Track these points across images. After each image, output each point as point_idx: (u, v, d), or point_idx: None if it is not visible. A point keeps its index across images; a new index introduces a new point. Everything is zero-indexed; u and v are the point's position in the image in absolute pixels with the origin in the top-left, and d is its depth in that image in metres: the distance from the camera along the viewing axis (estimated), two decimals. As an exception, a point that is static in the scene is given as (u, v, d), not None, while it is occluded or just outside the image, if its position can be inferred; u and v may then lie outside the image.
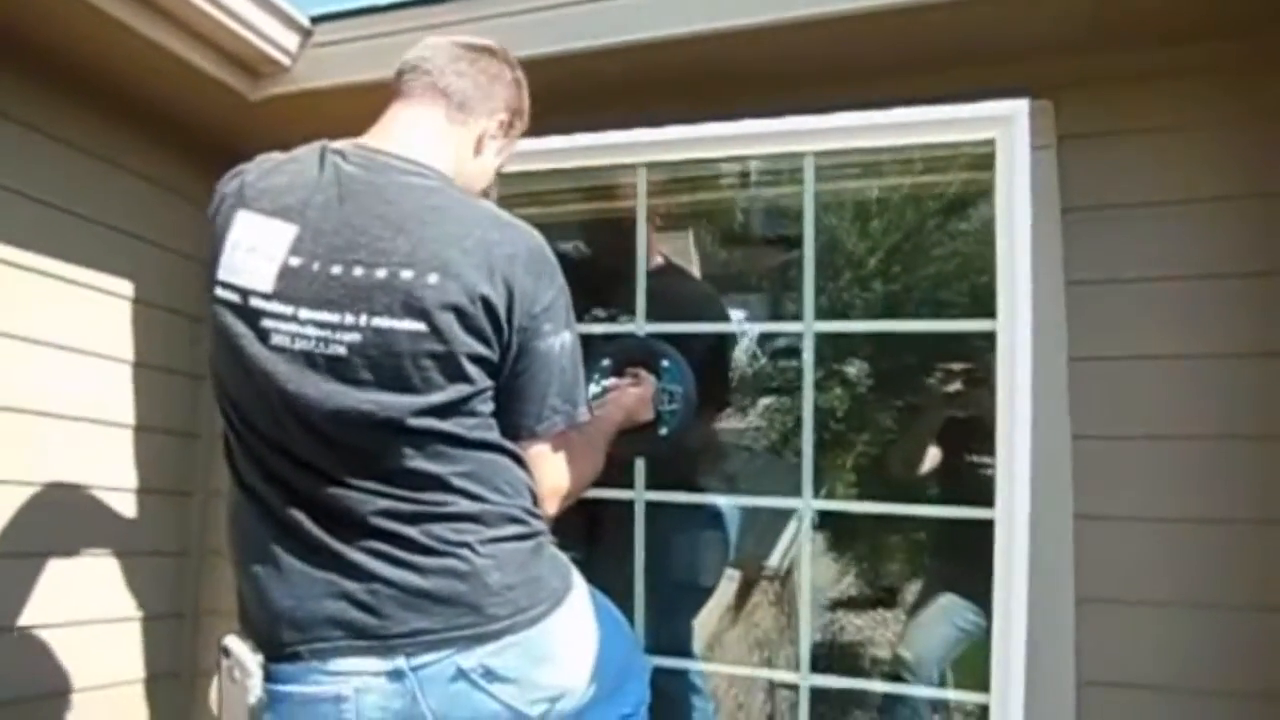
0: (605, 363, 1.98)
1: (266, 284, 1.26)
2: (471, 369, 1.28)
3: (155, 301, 2.49)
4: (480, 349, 1.28)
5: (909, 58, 2.03)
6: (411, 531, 1.26)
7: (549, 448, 1.42)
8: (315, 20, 2.28)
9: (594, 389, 1.93)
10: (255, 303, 1.26)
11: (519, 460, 1.37)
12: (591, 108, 2.20)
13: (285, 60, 2.27)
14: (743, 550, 2.52)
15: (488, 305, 1.27)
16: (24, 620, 2.11)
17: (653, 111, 2.22)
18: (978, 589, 2.56)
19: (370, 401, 1.25)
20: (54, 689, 2.20)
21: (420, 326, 1.24)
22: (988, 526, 1.85)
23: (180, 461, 2.56)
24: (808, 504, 2.02)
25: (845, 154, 2.10)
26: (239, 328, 1.27)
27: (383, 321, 1.24)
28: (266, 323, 1.26)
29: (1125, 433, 1.93)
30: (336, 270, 1.26)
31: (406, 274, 1.25)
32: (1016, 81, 2.01)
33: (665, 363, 1.98)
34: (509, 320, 1.30)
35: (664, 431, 1.97)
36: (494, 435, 1.34)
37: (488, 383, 1.32)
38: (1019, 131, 1.85)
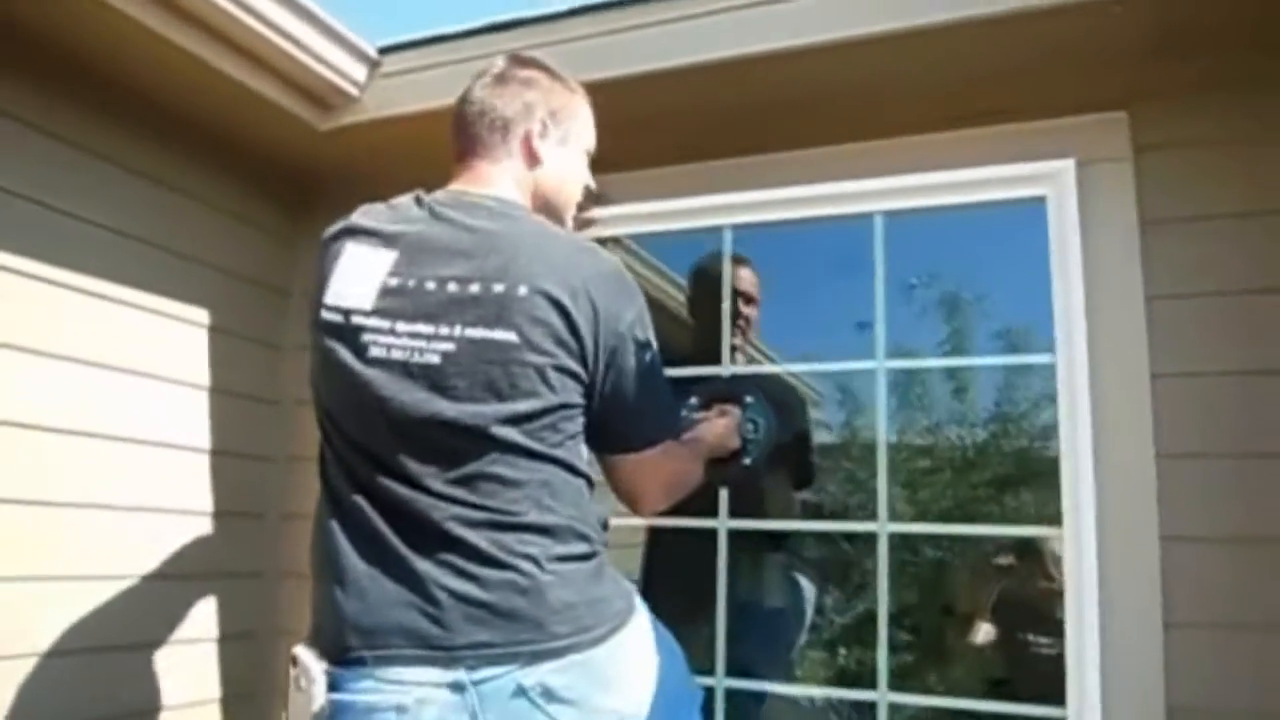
0: (693, 400, 2.13)
1: (367, 303, 1.36)
2: (556, 380, 1.34)
3: (230, 329, 2.55)
4: (568, 361, 1.35)
5: (982, 73, 2.00)
6: (479, 540, 1.29)
7: (652, 454, 1.51)
8: (383, 51, 2.33)
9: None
10: (356, 320, 1.36)
11: (591, 485, 1.42)
12: (662, 133, 2.22)
13: (354, 91, 2.32)
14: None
15: (573, 321, 1.34)
16: (105, 641, 2.16)
17: (721, 140, 2.27)
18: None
19: (457, 409, 1.31)
20: (134, 709, 2.25)
21: (511, 336, 1.32)
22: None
23: (254, 484, 2.61)
24: (883, 527, 2.15)
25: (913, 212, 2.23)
26: (340, 345, 1.37)
27: (476, 332, 1.32)
28: (366, 337, 1.35)
29: (1213, 450, 1.87)
30: (431, 286, 1.35)
31: (498, 287, 1.33)
32: (1092, 93, 1.99)
33: (749, 398, 2.12)
34: (595, 337, 1.37)
35: (748, 460, 2.08)
36: (572, 456, 1.39)
37: (575, 400, 1.38)
38: (1067, 187, 2.01)
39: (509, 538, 1.30)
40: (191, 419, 2.44)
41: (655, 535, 2.57)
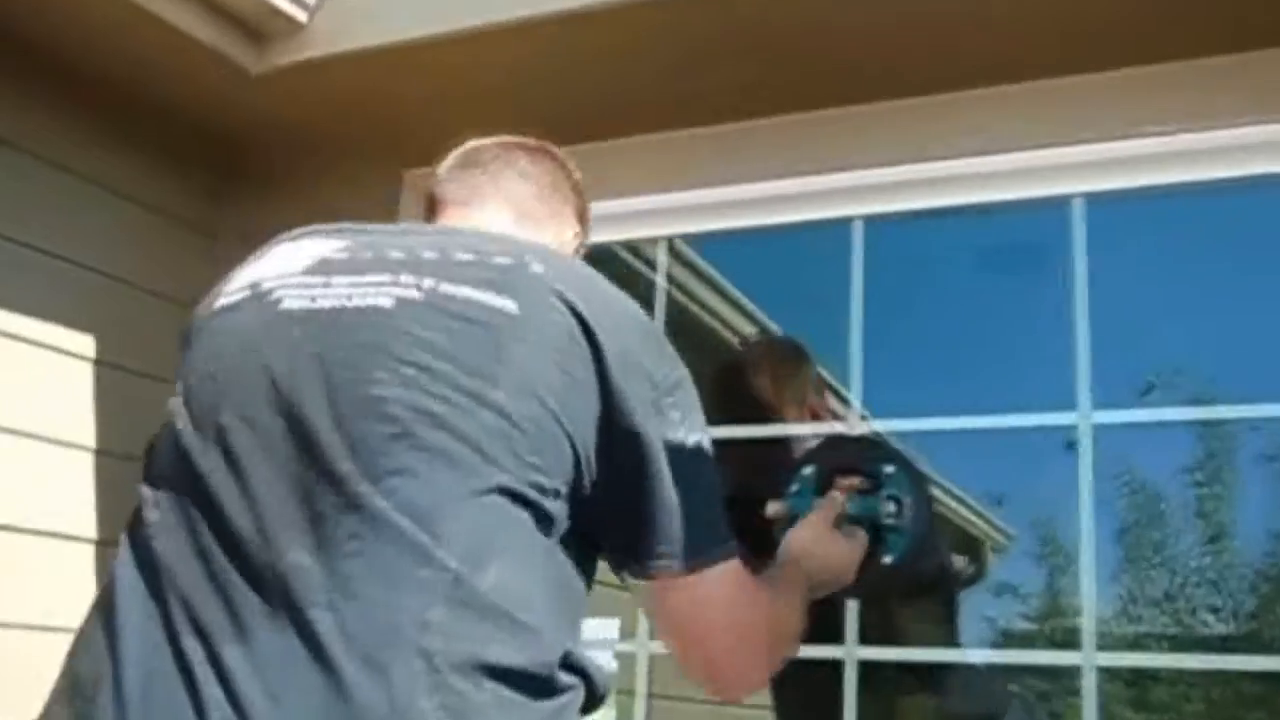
0: (807, 470, 1.52)
1: (292, 270, 1.11)
2: (561, 385, 0.99)
3: (125, 364, 2.06)
4: (581, 373, 1.01)
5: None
6: (336, 611, 0.87)
7: (718, 579, 1.07)
8: (339, -44, 1.83)
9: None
10: (268, 285, 1.10)
11: (581, 595, 1.04)
12: (732, 73, 1.72)
13: (299, 14, 1.84)
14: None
15: (592, 335, 1.03)
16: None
17: (821, 82, 1.76)
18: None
19: (404, 375, 0.97)
20: None
21: (510, 305, 1.02)
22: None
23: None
24: (1089, 659, 1.73)
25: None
26: (228, 316, 1.10)
27: (458, 289, 1.03)
28: (278, 293, 1.08)
29: None
30: (396, 254, 1.10)
31: (502, 259, 1.08)
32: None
33: (889, 469, 1.48)
34: (607, 378, 1.02)
35: (889, 559, 1.46)
36: (552, 535, 0.97)
37: (570, 447, 0.99)
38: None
39: (394, 620, 0.87)
40: (68, 494, 1.91)
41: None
